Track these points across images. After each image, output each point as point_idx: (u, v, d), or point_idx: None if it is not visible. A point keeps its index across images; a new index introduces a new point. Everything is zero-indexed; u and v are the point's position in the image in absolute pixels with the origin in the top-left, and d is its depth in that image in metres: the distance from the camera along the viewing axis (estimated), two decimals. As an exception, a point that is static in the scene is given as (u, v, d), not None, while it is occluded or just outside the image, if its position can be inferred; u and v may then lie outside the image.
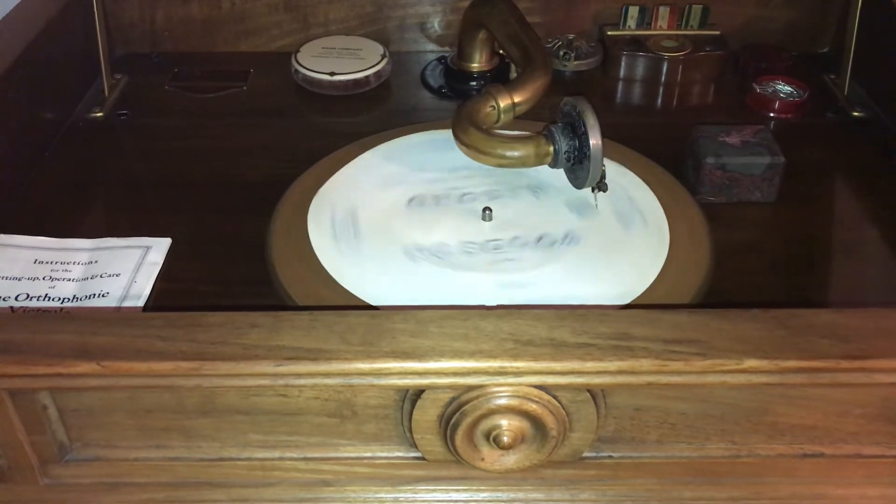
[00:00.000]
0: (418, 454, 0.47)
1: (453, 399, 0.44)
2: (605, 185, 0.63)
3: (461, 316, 0.44)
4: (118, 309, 0.58)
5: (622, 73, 0.87)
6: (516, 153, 0.63)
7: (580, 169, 0.63)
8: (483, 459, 0.47)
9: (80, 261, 0.62)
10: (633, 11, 0.88)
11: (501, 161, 0.64)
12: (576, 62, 0.87)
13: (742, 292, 0.60)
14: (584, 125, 0.61)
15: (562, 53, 0.87)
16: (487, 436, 0.45)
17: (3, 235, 0.64)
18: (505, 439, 0.45)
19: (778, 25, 0.91)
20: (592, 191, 0.64)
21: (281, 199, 0.66)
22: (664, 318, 0.44)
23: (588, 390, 0.44)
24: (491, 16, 0.77)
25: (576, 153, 0.63)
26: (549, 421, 0.44)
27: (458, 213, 0.64)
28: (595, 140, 0.61)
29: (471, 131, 0.64)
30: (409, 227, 0.63)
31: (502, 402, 0.44)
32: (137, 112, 0.82)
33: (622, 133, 0.72)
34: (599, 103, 0.64)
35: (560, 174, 0.66)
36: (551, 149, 0.63)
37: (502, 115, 0.67)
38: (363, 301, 0.56)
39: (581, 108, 0.61)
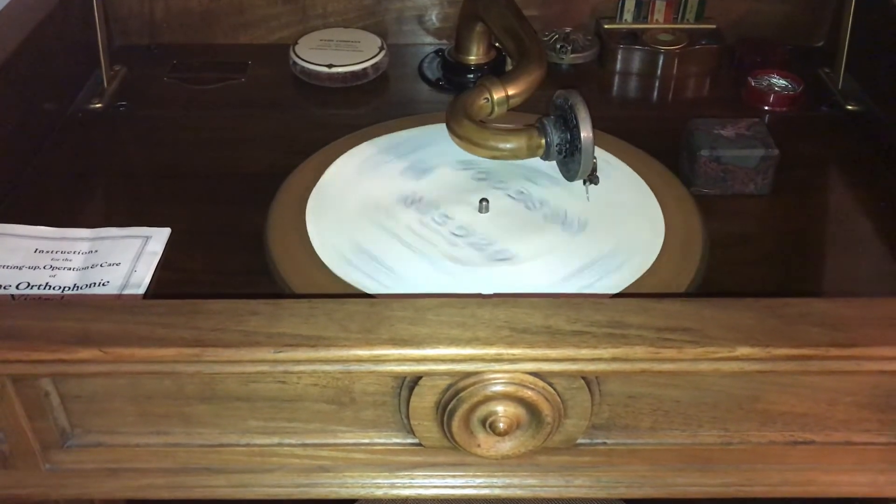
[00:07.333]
0: (415, 440, 0.48)
1: (450, 386, 0.45)
2: (597, 177, 0.64)
3: (458, 304, 0.44)
4: (119, 297, 0.58)
5: (618, 66, 0.88)
6: (508, 145, 0.64)
7: (572, 161, 0.64)
8: (479, 446, 0.47)
9: (81, 250, 0.63)
10: (630, 5, 0.89)
11: (494, 153, 0.65)
12: (572, 55, 0.87)
13: (735, 283, 0.60)
14: (576, 118, 0.61)
15: (558, 46, 0.87)
16: (484, 422, 0.46)
17: (3, 225, 0.65)
18: (501, 426, 0.45)
19: (773, 19, 0.91)
20: (584, 183, 0.64)
21: (279, 190, 0.66)
22: (658, 306, 0.44)
23: (583, 377, 0.45)
24: (488, 9, 0.77)
25: (567, 146, 0.63)
26: (545, 407, 0.45)
27: (454, 204, 0.65)
28: (586, 133, 0.61)
29: (464, 123, 0.65)
30: (406, 218, 0.64)
31: (498, 388, 0.44)
32: (136, 103, 0.82)
33: (618, 126, 0.72)
34: (595, 96, 0.65)
35: (556, 165, 0.67)
36: (543, 141, 0.64)
37: (496, 108, 0.67)
38: (360, 290, 0.57)
39: (573, 101, 0.62)
